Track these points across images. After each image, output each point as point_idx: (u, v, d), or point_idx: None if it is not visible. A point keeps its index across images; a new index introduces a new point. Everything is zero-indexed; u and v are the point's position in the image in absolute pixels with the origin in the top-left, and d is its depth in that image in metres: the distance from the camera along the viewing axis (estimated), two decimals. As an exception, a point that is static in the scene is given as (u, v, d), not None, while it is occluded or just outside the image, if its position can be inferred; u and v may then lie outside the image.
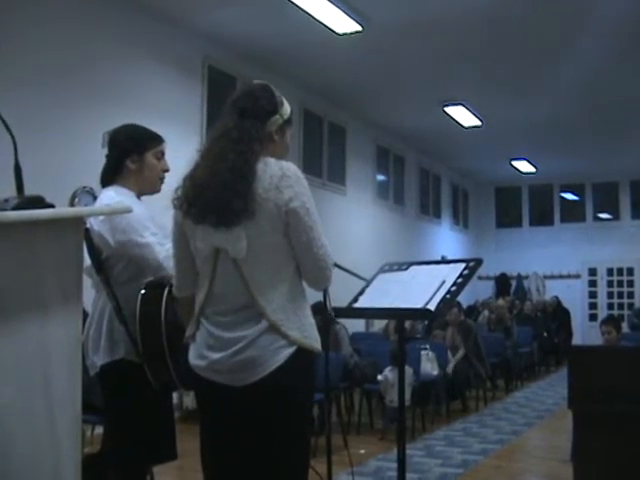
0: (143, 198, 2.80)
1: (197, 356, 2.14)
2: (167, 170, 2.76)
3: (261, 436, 2.08)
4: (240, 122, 2.13)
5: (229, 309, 2.09)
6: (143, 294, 2.54)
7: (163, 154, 2.79)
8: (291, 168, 2.10)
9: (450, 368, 7.56)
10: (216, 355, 2.08)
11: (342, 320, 7.23)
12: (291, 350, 2.05)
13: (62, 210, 1.93)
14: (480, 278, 15.35)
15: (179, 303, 2.33)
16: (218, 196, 2.04)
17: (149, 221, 2.61)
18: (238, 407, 2.09)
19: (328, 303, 2.75)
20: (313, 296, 2.74)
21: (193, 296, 2.20)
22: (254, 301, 2.05)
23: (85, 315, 2.32)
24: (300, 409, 2.12)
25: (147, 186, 2.76)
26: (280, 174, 2.06)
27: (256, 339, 2.04)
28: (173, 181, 2.25)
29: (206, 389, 2.16)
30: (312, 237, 2.07)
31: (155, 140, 2.78)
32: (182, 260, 2.22)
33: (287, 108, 2.24)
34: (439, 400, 7.46)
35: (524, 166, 14.94)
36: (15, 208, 1.66)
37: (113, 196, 2.66)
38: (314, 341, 2.12)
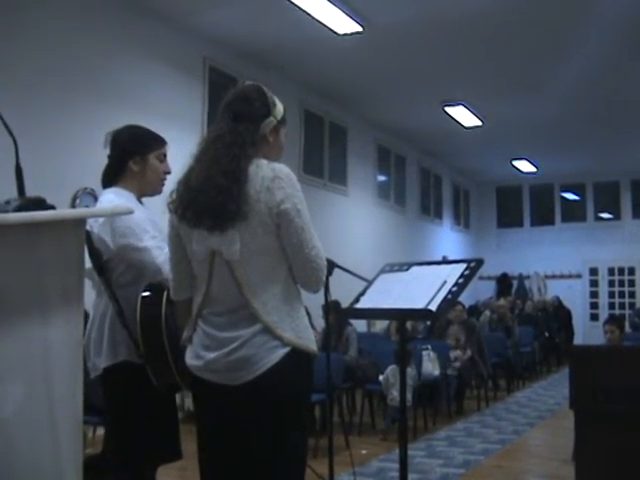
0: (145, 200, 2.80)
1: (194, 356, 2.15)
2: (169, 172, 2.76)
3: (256, 435, 2.09)
4: (234, 125, 2.14)
5: (224, 310, 2.10)
6: (143, 296, 2.54)
7: (165, 156, 2.79)
8: (283, 170, 2.10)
9: (454, 366, 7.55)
10: (212, 355, 2.09)
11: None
12: (285, 350, 2.06)
13: (63, 212, 1.93)
14: (481, 278, 15.33)
15: (177, 306, 2.33)
16: (212, 200, 2.04)
17: (149, 224, 2.60)
18: (234, 406, 2.10)
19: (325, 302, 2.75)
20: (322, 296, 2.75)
21: (190, 299, 2.21)
22: (248, 303, 2.06)
23: (86, 317, 2.32)
24: (295, 409, 2.12)
25: (148, 188, 2.76)
26: (272, 176, 2.07)
27: (250, 339, 2.05)
28: (172, 183, 2.26)
29: (202, 389, 2.17)
30: (303, 238, 2.07)
31: (158, 142, 2.78)
32: (178, 263, 2.23)
33: (280, 108, 2.24)
34: (449, 399, 7.47)
35: (525, 166, 14.94)
36: (16, 210, 1.66)
37: (113, 199, 2.65)
38: (309, 342, 2.12)
